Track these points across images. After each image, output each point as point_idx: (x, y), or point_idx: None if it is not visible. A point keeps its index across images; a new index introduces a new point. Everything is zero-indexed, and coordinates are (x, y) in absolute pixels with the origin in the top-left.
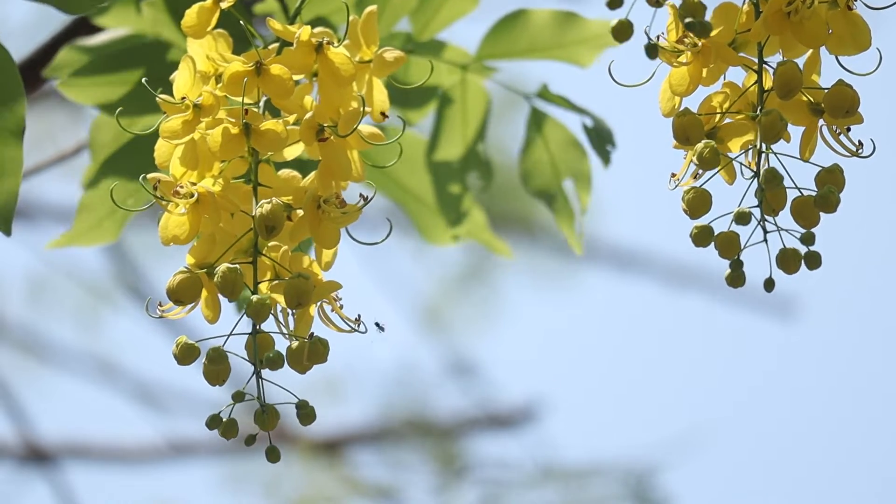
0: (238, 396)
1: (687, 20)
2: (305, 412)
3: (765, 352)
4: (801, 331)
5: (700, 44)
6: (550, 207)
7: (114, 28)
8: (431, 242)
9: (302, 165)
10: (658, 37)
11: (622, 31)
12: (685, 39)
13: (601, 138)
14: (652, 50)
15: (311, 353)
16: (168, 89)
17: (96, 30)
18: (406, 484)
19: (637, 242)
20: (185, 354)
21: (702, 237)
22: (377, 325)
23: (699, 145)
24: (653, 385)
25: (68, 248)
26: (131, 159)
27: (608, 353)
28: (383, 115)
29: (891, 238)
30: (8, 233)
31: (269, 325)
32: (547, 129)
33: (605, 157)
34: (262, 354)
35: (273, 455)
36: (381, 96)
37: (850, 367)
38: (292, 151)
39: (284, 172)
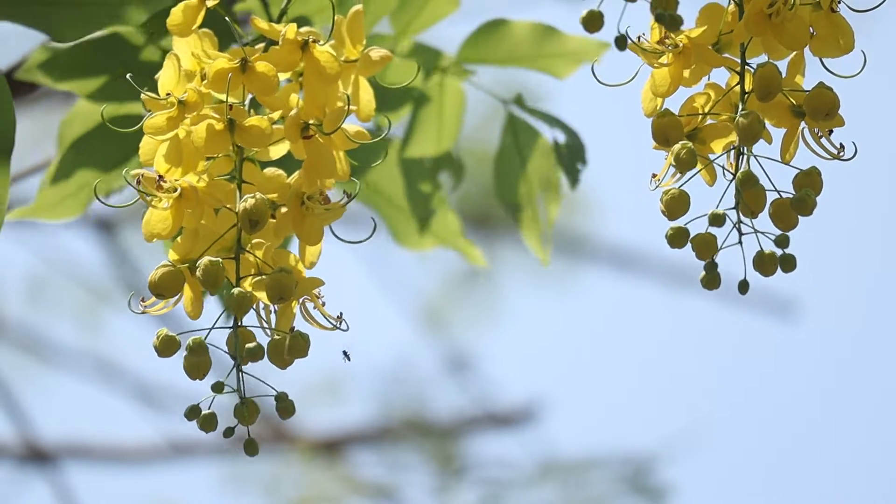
0: (218, 388)
1: (657, 12)
2: (284, 405)
3: (764, 352)
4: (801, 331)
5: (681, 44)
6: (517, 217)
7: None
8: (406, 247)
9: (287, 166)
10: (639, 37)
11: (592, 21)
12: (666, 40)
13: (572, 156)
14: (621, 42)
15: (291, 347)
16: (145, 80)
17: None
18: (406, 484)
19: (637, 242)
20: (166, 346)
21: (677, 238)
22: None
23: (676, 146)
24: (652, 385)
25: (68, 249)
26: (98, 142)
27: (608, 353)
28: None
29: (890, 238)
30: None
31: (252, 323)
32: (522, 136)
33: (574, 178)
34: (242, 348)
35: (251, 448)
36: (367, 96)
37: (850, 366)
38: (278, 150)
39: (269, 170)
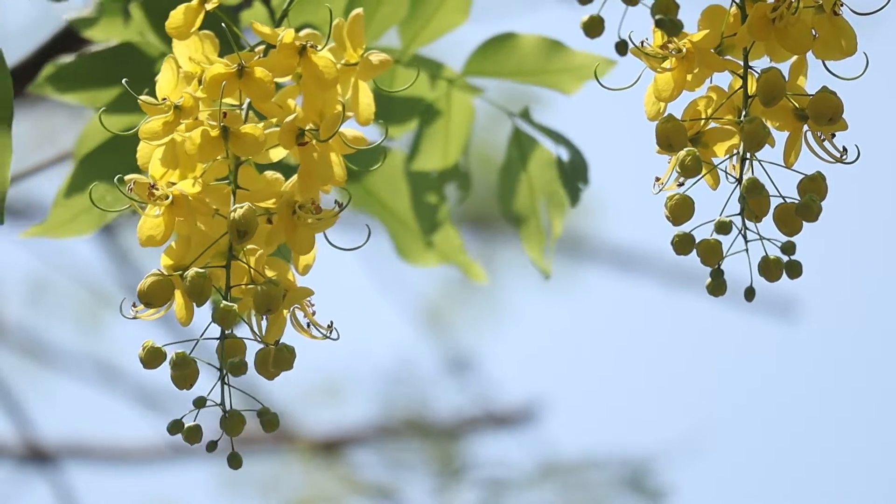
0: (200, 402)
1: (657, 17)
2: (268, 419)
3: (765, 352)
4: (802, 331)
5: (683, 49)
6: (520, 229)
7: (102, 41)
8: (410, 262)
9: (287, 169)
10: (642, 41)
11: (593, 27)
12: (669, 44)
13: (574, 174)
14: (622, 47)
15: (276, 359)
16: (154, 90)
17: (86, 42)
18: (406, 484)
19: (637, 242)
20: (151, 358)
21: (683, 245)
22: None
23: (681, 153)
24: (653, 385)
25: (69, 250)
26: (111, 156)
27: (608, 353)
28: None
29: (891, 240)
30: (1, 220)
31: (245, 330)
32: (528, 150)
33: (574, 196)
34: (228, 359)
35: (234, 461)
36: (366, 100)
37: (851, 367)
38: (278, 153)
39: (268, 174)
